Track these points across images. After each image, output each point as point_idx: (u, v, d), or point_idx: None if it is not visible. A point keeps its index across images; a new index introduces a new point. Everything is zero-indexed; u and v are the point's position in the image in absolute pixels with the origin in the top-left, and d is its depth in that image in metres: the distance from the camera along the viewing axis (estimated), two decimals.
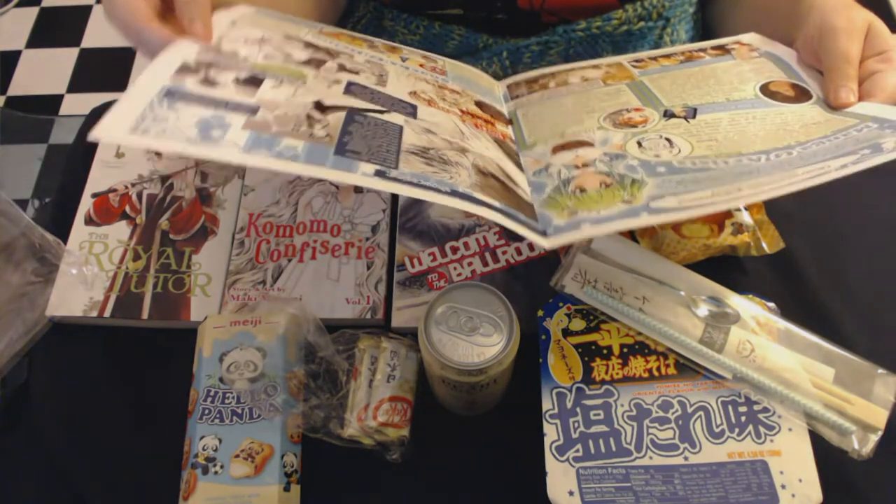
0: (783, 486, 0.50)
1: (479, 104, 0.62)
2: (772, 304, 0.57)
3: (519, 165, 0.56)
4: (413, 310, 0.63)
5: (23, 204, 1.57)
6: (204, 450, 0.55)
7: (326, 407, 0.58)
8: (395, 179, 0.46)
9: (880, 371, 0.53)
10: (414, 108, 0.55)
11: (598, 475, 0.51)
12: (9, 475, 0.59)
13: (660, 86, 0.60)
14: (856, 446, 0.50)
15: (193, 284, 0.65)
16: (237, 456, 0.55)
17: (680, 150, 0.52)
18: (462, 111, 0.59)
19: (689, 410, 0.53)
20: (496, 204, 0.48)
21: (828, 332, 0.55)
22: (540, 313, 0.59)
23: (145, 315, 0.64)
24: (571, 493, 0.51)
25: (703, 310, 0.56)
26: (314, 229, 0.68)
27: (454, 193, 0.47)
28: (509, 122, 0.63)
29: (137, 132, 0.44)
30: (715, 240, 0.61)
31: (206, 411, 0.56)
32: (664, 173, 0.50)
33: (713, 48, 0.64)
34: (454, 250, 0.66)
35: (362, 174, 0.46)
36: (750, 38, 0.64)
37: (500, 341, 0.51)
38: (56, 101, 1.81)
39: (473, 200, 0.47)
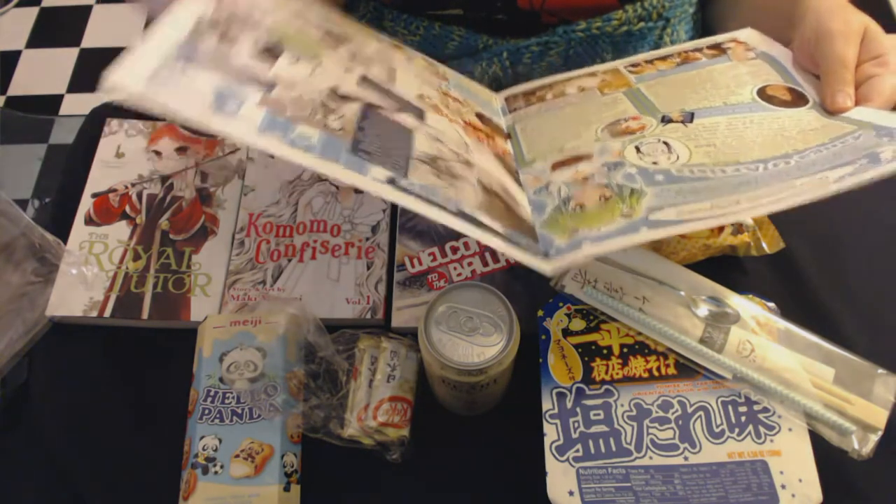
0: (783, 486, 0.50)
1: (479, 116, 0.62)
2: (772, 304, 0.57)
3: (518, 183, 0.56)
4: (413, 310, 0.63)
5: (23, 204, 1.57)
6: (204, 450, 0.55)
7: (326, 407, 0.58)
8: (405, 190, 0.45)
9: (880, 371, 0.53)
10: (421, 112, 0.54)
11: (598, 475, 0.52)
12: (9, 475, 0.59)
13: (656, 92, 0.60)
14: (856, 446, 0.50)
15: (193, 284, 0.65)
16: (237, 456, 0.55)
17: (678, 157, 0.52)
18: (465, 122, 0.58)
19: (689, 410, 0.53)
20: (500, 229, 0.48)
21: (828, 332, 0.55)
22: (540, 313, 0.59)
23: (145, 315, 0.64)
24: (571, 493, 0.51)
25: (703, 310, 0.56)
26: (314, 229, 0.68)
27: (460, 215, 0.46)
28: (507, 136, 0.63)
29: (155, 84, 0.41)
30: (715, 240, 0.61)
31: (206, 411, 0.56)
32: (662, 182, 0.50)
33: (709, 47, 0.64)
34: (454, 250, 0.66)
35: (373, 179, 0.44)
36: (746, 35, 0.64)
37: (500, 341, 0.51)
38: (56, 101, 1.81)
39: (478, 224, 0.46)
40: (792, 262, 0.65)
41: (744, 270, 0.65)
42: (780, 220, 0.64)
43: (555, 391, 0.55)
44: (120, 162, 0.72)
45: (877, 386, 0.52)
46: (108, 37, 1.92)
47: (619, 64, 0.66)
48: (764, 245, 0.63)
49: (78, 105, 1.80)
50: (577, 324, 0.58)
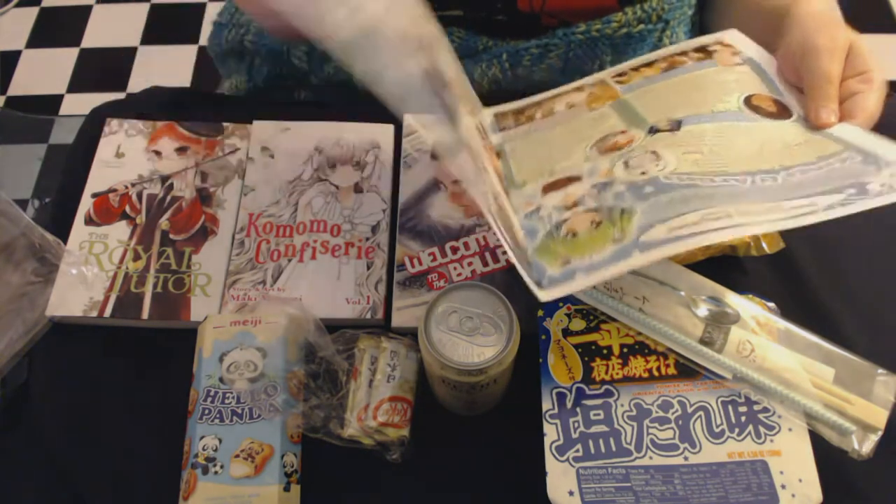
0: (783, 486, 0.50)
1: (478, 128, 0.62)
2: (772, 304, 0.57)
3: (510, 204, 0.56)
4: (413, 310, 0.63)
5: (23, 204, 1.57)
6: (204, 450, 0.55)
7: (326, 407, 0.58)
8: None
9: (880, 371, 0.53)
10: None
11: (598, 475, 0.52)
12: (9, 475, 0.59)
13: (644, 102, 0.60)
14: (856, 446, 0.50)
15: (193, 284, 0.65)
16: (237, 456, 0.55)
17: (666, 165, 0.52)
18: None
19: (689, 410, 0.53)
20: (510, 242, 0.48)
21: (828, 332, 0.55)
22: (540, 313, 0.59)
23: (145, 315, 0.64)
24: (571, 493, 0.51)
25: (703, 310, 0.56)
26: (314, 229, 0.68)
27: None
28: (498, 155, 0.63)
29: None
30: None
31: (206, 411, 0.56)
32: (651, 193, 0.50)
33: (695, 50, 0.64)
34: (454, 250, 0.66)
35: None
36: (732, 36, 0.64)
37: (500, 341, 0.51)
38: (56, 101, 1.81)
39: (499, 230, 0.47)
40: (792, 262, 0.65)
41: (744, 270, 0.65)
42: None
43: (555, 391, 0.55)
44: (120, 162, 0.72)
45: (877, 386, 0.52)
46: (108, 37, 1.93)
47: (606, 75, 0.66)
48: (764, 245, 0.63)
49: (78, 105, 1.80)
50: (577, 324, 0.58)
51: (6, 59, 1.88)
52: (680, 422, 0.53)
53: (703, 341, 0.54)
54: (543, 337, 0.57)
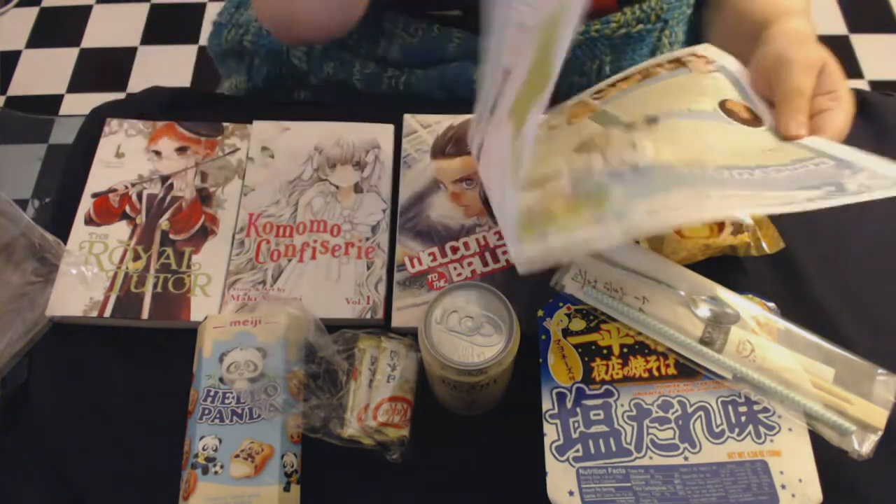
0: (783, 486, 0.50)
1: None
2: (772, 304, 0.57)
3: None
4: (413, 310, 0.63)
5: (23, 204, 1.56)
6: (204, 450, 0.55)
7: (326, 407, 0.58)
8: None
9: (880, 371, 0.53)
10: None
11: (598, 475, 0.52)
12: (9, 475, 0.59)
13: (622, 107, 0.60)
14: (856, 446, 0.50)
15: (193, 284, 0.65)
16: (237, 456, 0.55)
17: (644, 152, 0.53)
18: None
19: (689, 410, 0.53)
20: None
21: (828, 332, 0.55)
22: (540, 313, 0.59)
23: (145, 315, 0.64)
24: (571, 493, 0.51)
25: (703, 310, 0.56)
26: (314, 229, 0.68)
27: None
28: None
29: None
30: (715, 240, 0.61)
31: (206, 411, 0.56)
32: (631, 178, 0.50)
33: (669, 62, 0.64)
34: (454, 250, 0.66)
35: None
36: (704, 49, 0.65)
37: (500, 341, 0.51)
38: (56, 101, 1.81)
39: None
40: (792, 262, 0.65)
41: (744, 270, 0.65)
42: (780, 220, 0.64)
43: (555, 391, 0.55)
44: (120, 162, 0.72)
45: (877, 386, 0.52)
46: (108, 37, 1.93)
47: (584, 95, 0.66)
48: (764, 245, 0.63)
49: (78, 105, 1.80)
50: (577, 324, 0.58)
51: (6, 59, 1.88)
52: (680, 422, 0.53)
53: (703, 341, 0.55)
54: (543, 337, 0.57)
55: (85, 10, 1.98)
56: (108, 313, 0.64)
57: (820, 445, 0.51)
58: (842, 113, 0.53)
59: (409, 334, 0.60)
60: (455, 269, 0.65)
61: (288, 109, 0.79)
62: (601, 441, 0.53)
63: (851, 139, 0.73)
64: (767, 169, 0.50)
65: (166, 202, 0.70)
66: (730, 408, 0.53)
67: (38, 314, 0.64)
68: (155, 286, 0.65)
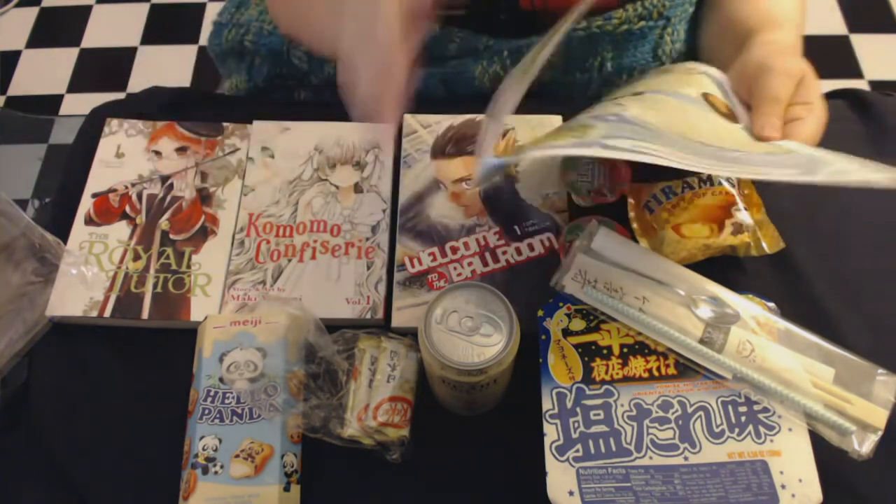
0: (783, 486, 0.50)
1: None
2: (772, 304, 0.57)
3: None
4: (413, 310, 0.63)
5: (23, 204, 1.57)
6: (204, 450, 0.55)
7: (326, 407, 0.58)
8: None
9: (880, 371, 0.53)
10: None
11: (598, 475, 0.52)
12: (9, 475, 0.59)
13: (612, 95, 0.63)
14: (856, 446, 0.50)
15: (193, 284, 0.65)
16: (237, 456, 0.55)
17: (630, 109, 0.54)
18: None
19: (689, 410, 0.53)
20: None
21: (828, 332, 0.55)
22: (540, 313, 0.59)
23: (145, 315, 0.64)
24: (571, 493, 0.51)
25: (704, 310, 0.56)
26: (314, 229, 0.68)
27: None
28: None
29: None
30: (715, 240, 0.62)
31: (206, 411, 0.56)
32: (615, 121, 0.51)
33: (655, 70, 0.67)
34: (454, 250, 0.66)
35: None
36: (691, 64, 0.66)
37: (500, 341, 0.51)
38: (56, 101, 1.81)
39: None
40: (792, 262, 0.65)
41: (744, 270, 0.65)
42: (780, 220, 0.64)
43: (555, 391, 0.55)
44: (120, 162, 0.72)
45: (877, 386, 0.52)
46: (108, 37, 1.93)
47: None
48: (764, 245, 0.63)
49: (78, 105, 1.80)
50: (577, 324, 0.58)
51: (6, 59, 1.88)
52: (680, 422, 0.53)
53: (703, 341, 0.54)
54: (543, 337, 0.57)
55: (85, 10, 1.98)
56: (108, 313, 0.64)
57: (820, 445, 0.51)
58: (814, 122, 0.55)
59: (409, 334, 0.60)
60: (455, 269, 0.65)
61: (288, 109, 0.79)
62: (601, 441, 0.53)
63: (851, 138, 0.74)
64: (742, 153, 0.52)
65: (166, 202, 0.70)
66: (730, 408, 0.53)
67: (38, 314, 0.64)
68: (155, 286, 0.65)
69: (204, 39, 1.90)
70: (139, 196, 0.70)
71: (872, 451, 0.50)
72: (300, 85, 0.85)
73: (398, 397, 0.58)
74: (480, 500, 0.58)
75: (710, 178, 0.65)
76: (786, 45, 0.62)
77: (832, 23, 1.88)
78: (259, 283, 0.65)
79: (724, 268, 0.63)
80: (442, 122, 0.73)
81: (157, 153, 0.73)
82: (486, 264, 0.65)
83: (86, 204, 0.69)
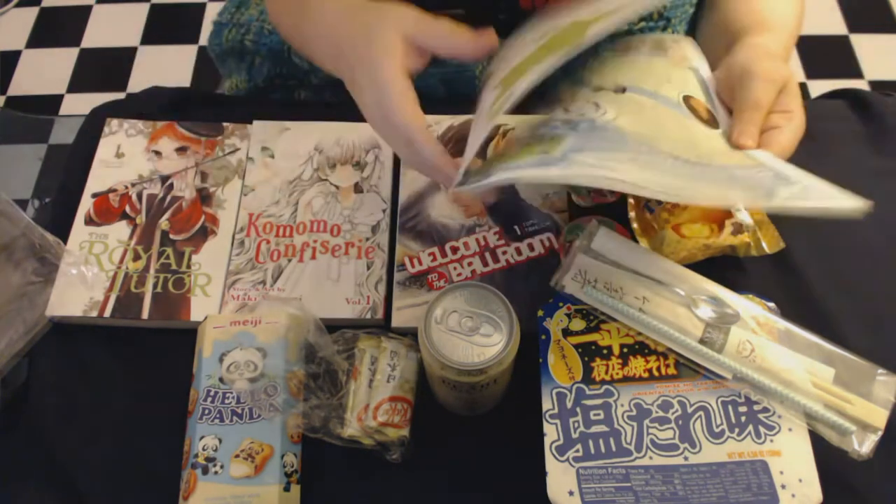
0: (783, 486, 0.50)
1: None
2: (772, 304, 0.57)
3: None
4: (413, 310, 0.63)
5: (23, 204, 1.57)
6: (204, 450, 0.55)
7: (326, 407, 0.58)
8: None
9: (880, 371, 0.53)
10: None
11: (598, 475, 0.52)
12: (9, 475, 0.59)
13: (597, 71, 0.62)
14: (856, 446, 0.50)
15: (193, 284, 0.65)
16: (237, 456, 0.55)
17: (606, 113, 0.54)
18: None
19: (689, 410, 0.53)
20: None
21: (828, 332, 0.55)
22: (540, 313, 0.59)
23: (145, 315, 0.64)
24: (571, 493, 0.51)
25: (704, 310, 0.56)
26: (314, 229, 0.68)
27: None
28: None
29: None
30: (715, 240, 0.61)
31: (206, 411, 0.56)
32: (586, 129, 0.51)
33: (653, 42, 0.66)
34: (454, 250, 0.66)
35: None
36: (688, 43, 0.66)
37: (500, 341, 0.51)
38: (56, 101, 1.81)
39: None
40: (792, 262, 0.65)
41: (744, 270, 0.65)
42: (780, 220, 0.64)
43: (555, 391, 0.55)
44: (120, 162, 0.72)
45: (877, 386, 0.52)
46: (108, 37, 1.92)
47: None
48: (764, 245, 0.62)
49: (78, 105, 1.80)
50: (577, 324, 0.58)
51: (6, 59, 1.88)
52: (680, 422, 0.53)
53: (703, 341, 0.54)
54: (543, 337, 0.57)
55: (85, 10, 1.98)
56: (108, 313, 0.64)
57: (820, 445, 0.51)
58: (791, 132, 0.55)
59: (409, 334, 0.60)
60: (455, 269, 0.65)
61: (288, 109, 0.79)
62: (601, 441, 0.53)
63: (851, 138, 0.74)
64: (709, 168, 0.52)
65: (166, 202, 0.70)
66: (730, 408, 0.53)
67: (38, 314, 0.64)
68: (155, 286, 0.65)
69: (204, 39, 1.90)
70: (139, 196, 0.70)
71: (872, 451, 0.50)
72: (300, 85, 0.85)
73: (398, 397, 0.58)
74: (480, 500, 0.58)
75: None
76: (771, 51, 0.62)
77: (832, 23, 1.88)
78: (259, 283, 0.65)
79: (724, 268, 0.63)
80: (442, 122, 0.73)
81: (157, 153, 0.73)
82: (486, 264, 0.65)
83: (86, 204, 0.69)
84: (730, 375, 0.54)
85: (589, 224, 0.61)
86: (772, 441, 0.51)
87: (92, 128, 0.75)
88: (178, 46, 1.90)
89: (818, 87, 1.78)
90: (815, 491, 0.49)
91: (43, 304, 0.64)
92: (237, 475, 0.54)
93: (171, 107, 0.77)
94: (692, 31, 0.82)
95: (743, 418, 0.53)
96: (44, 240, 0.67)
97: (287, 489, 0.55)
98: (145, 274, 0.66)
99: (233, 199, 0.70)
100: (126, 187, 0.71)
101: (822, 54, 1.82)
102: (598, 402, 0.54)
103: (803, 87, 1.77)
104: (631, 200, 0.66)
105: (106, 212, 0.69)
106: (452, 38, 0.53)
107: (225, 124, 0.75)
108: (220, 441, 0.55)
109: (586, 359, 0.56)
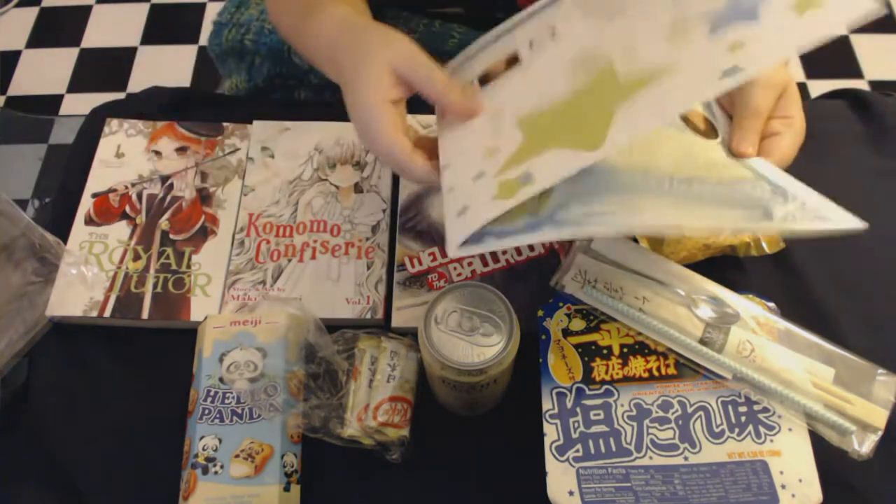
0: (783, 486, 0.50)
1: None
2: (772, 304, 0.57)
3: None
4: (413, 310, 0.63)
5: (23, 204, 1.57)
6: (204, 450, 0.55)
7: (326, 407, 0.58)
8: None
9: (880, 371, 0.53)
10: None
11: (598, 475, 0.52)
12: (9, 475, 0.59)
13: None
14: (856, 446, 0.50)
15: (193, 284, 0.65)
16: (237, 456, 0.55)
17: None
18: None
19: (689, 410, 0.53)
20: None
21: (828, 332, 0.55)
22: (540, 313, 0.59)
23: (145, 315, 0.64)
24: (571, 493, 0.51)
25: (704, 310, 0.56)
26: (314, 229, 0.68)
27: None
28: None
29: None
30: (715, 240, 0.62)
31: (206, 411, 0.56)
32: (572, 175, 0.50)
33: None
34: None
35: None
36: None
37: (500, 341, 0.51)
38: (56, 101, 1.81)
39: None
40: (792, 262, 0.65)
41: (744, 270, 0.65)
42: None
43: (555, 391, 0.55)
44: (120, 162, 0.72)
45: (877, 386, 0.52)
46: (108, 37, 1.92)
47: None
48: (764, 245, 0.63)
49: (78, 105, 1.80)
50: (577, 324, 0.58)
51: (6, 59, 1.88)
52: (680, 422, 0.53)
53: (703, 341, 0.54)
54: (543, 337, 0.57)
55: (85, 10, 1.98)
56: (108, 313, 0.64)
57: (820, 445, 0.51)
58: (791, 138, 0.55)
59: (409, 334, 0.60)
60: (455, 269, 0.65)
61: (288, 109, 0.79)
62: (601, 441, 0.53)
63: (851, 138, 0.74)
64: (705, 184, 0.51)
65: (166, 202, 0.70)
66: (730, 408, 0.53)
67: (38, 314, 0.64)
68: (155, 286, 0.65)
69: (204, 39, 1.90)
70: (139, 196, 0.70)
71: (872, 451, 0.50)
72: (300, 85, 0.85)
73: (398, 397, 0.58)
74: (480, 500, 0.58)
75: None
76: None
77: None
78: (259, 283, 0.65)
79: (724, 268, 0.63)
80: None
81: (157, 153, 0.73)
82: (486, 264, 0.65)
83: (86, 204, 0.69)
84: (730, 375, 0.54)
85: None
86: (772, 441, 0.51)
87: (92, 128, 0.75)
88: (178, 46, 1.90)
89: (818, 87, 1.78)
90: (815, 491, 0.49)
91: (43, 304, 0.64)
92: (237, 475, 0.54)
93: (171, 107, 0.77)
94: None
95: (743, 418, 0.53)
96: (44, 240, 0.67)
97: (287, 489, 0.55)
98: (145, 274, 0.66)
99: (233, 199, 0.70)
100: (126, 187, 0.71)
101: (822, 54, 1.81)
102: (598, 402, 0.54)
103: (803, 87, 1.77)
104: None
105: (106, 212, 0.69)
106: (439, 88, 0.53)
107: (225, 124, 0.75)
108: (220, 441, 0.55)
109: (586, 359, 0.56)
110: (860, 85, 1.77)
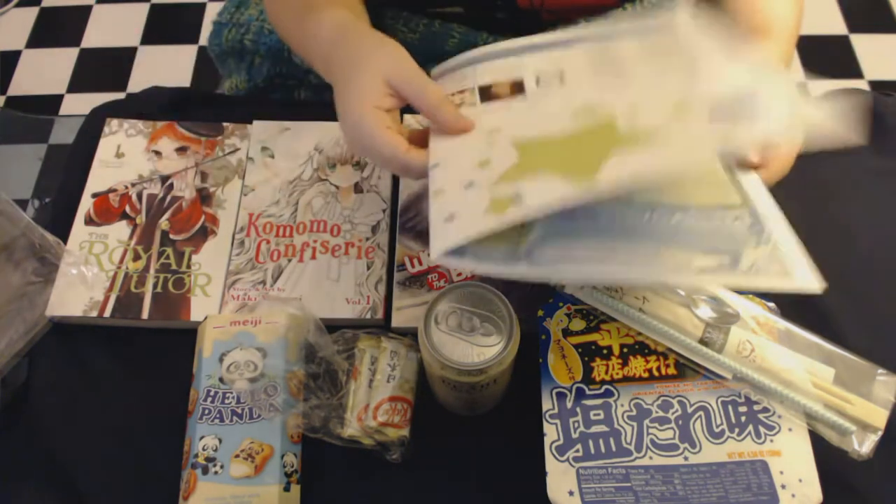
0: (783, 486, 0.50)
1: None
2: (772, 304, 0.57)
3: None
4: (413, 310, 0.63)
5: (23, 204, 1.57)
6: (204, 450, 0.55)
7: (326, 407, 0.58)
8: None
9: (880, 371, 0.53)
10: None
11: (598, 475, 0.52)
12: (9, 475, 0.59)
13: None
14: (856, 446, 0.50)
15: (193, 284, 0.65)
16: (237, 456, 0.55)
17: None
18: None
19: (689, 410, 0.53)
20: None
21: (828, 332, 0.55)
22: (540, 313, 0.59)
23: (145, 315, 0.64)
24: (571, 493, 0.51)
25: (704, 310, 0.56)
26: (314, 229, 0.68)
27: None
28: None
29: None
30: None
31: (206, 411, 0.56)
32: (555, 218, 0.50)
33: None
34: None
35: None
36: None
37: (500, 341, 0.51)
38: (56, 101, 1.81)
39: None
40: None
41: None
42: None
43: (555, 391, 0.55)
44: (120, 162, 0.72)
45: (877, 386, 0.52)
46: (108, 37, 1.92)
47: None
48: None
49: (78, 105, 1.80)
50: (577, 324, 0.58)
51: (6, 59, 1.88)
52: (680, 422, 0.53)
53: (703, 341, 0.54)
54: (543, 337, 0.57)
55: (85, 10, 1.97)
56: (108, 313, 0.64)
57: (820, 445, 0.51)
58: (787, 147, 0.55)
59: (409, 334, 0.60)
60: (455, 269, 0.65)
61: (288, 109, 0.79)
62: (601, 441, 0.53)
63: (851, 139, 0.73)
64: (688, 212, 0.51)
65: (166, 202, 0.70)
66: (730, 408, 0.53)
67: (38, 314, 0.64)
68: (155, 286, 0.65)
69: (204, 39, 1.90)
70: (139, 196, 0.70)
71: (872, 451, 0.50)
72: (300, 85, 0.85)
73: (398, 397, 0.58)
74: (480, 500, 0.57)
75: None
76: (772, 58, 0.62)
77: (832, 23, 1.88)
78: (259, 283, 0.65)
79: None
80: None
81: (157, 153, 0.73)
82: None
83: (86, 204, 0.69)
84: (730, 375, 0.54)
85: None
86: (772, 441, 0.51)
87: (92, 128, 0.75)
88: (178, 46, 1.90)
89: (818, 88, 1.78)
90: (815, 491, 0.49)
91: (43, 304, 0.64)
92: (237, 475, 0.54)
93: (171, 107, 0.77)
94: None
95: (743, 418, 0.53)
96: (44, 240, 0.67)
97: (287, 489, 0.55)
98: (145, 274, 0.66)
99: (233, 199, 0.70)
100: (126, 187, 0.71)
101: (822, 54, 1.82)
102: (598, 402, 0.54)
103: (803, 87, 1.77)
104: None
105: (106, 212, 0.69)
106: (432, 101, 0.53)
107: (225, 124, 0.75)
108: (220, 441, 0.55)
109: (586, 359, 0.56)
110: (860, 85, 1.77)
